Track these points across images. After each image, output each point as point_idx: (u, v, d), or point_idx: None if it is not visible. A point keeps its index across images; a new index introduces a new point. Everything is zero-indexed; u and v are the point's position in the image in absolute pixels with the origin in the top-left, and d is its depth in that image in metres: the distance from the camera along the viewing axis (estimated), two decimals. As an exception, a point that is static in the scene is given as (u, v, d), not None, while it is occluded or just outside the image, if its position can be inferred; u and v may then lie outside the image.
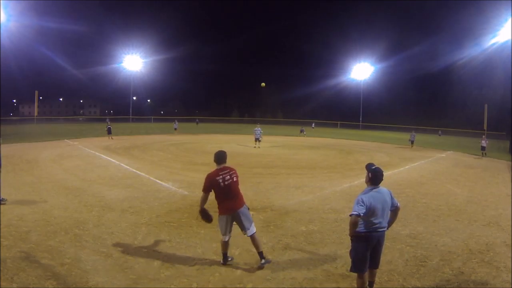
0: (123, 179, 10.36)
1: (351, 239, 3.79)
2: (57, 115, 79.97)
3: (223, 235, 4.50)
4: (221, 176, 4.40)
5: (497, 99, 43.16)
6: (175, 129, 32.74)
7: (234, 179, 4.50)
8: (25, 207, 7.07)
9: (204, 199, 4.46)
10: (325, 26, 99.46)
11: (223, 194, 4.41)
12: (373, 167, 3.77)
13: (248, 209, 4.62)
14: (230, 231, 4.51)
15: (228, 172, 4.48)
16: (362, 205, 3.53)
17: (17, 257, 4.68)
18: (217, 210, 4.55)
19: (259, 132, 21.45)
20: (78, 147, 19.38)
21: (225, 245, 4.57)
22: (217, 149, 4.78)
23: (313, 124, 53.55)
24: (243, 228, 4.48)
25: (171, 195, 8.54)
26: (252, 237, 4.51)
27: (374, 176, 3.73)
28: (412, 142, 25.77)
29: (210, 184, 4.38)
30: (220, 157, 4.58)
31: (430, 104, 69.29)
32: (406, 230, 6.28)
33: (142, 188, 9.17)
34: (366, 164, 3.92)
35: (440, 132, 48.60)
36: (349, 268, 3.95)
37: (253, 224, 4.55)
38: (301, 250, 5.29)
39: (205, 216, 4.54)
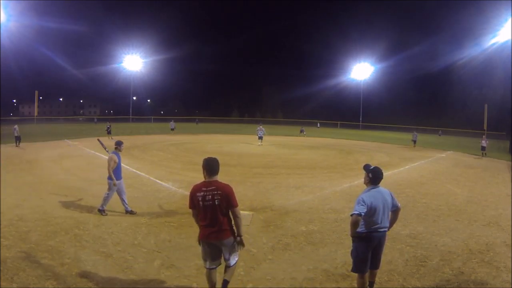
0: (123, 179, 10.34)
1: (352, 240, 3.78)
2: (57, 115, 79.96)
3: (203, 260, 3.66)
4: (202, 193, 3.42)
5: (497, 99, 43.17)
6: (172, 129, 32.71)
7: (216, 203, 3.41)
8: (25, 207, 7.07)
9: (195, 216, 3.64)
10: (325, 26, 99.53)
11: (202, 216, 3.50)
12: (372, 167, 3.78)
13: (234, 240, 3.60)
14: (214, 259, 3.59)
15: (212, 191, 3.42)
16: (363, 205, 3.52)
17: (17, 257, 4.68)
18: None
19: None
20: (78, 147, 19.38)
21: (208, 276, 3.66)
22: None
23: (319, 124, 54.28)
24: (224, 258, 3.63)
25: (171, 195, 8.54)
26: (229, 266, 3.66)
27: (374, 176, 3.73)
28: (415, 142, 26.03)
29: (191, 198, 3.52)
30: (210, 166, 3.51)
31: (430, 104, 69.28)
32: (406, 230, 6.28)
33: (142, 188, 9.17)
34: (363, 165, 3.93)
35: (440, 132, 48.65)
36: (349, 269, 3.95)
37: (235, 254, 3.67)
38: (301, 250, 5.29)
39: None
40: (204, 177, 3.55)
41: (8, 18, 42.44)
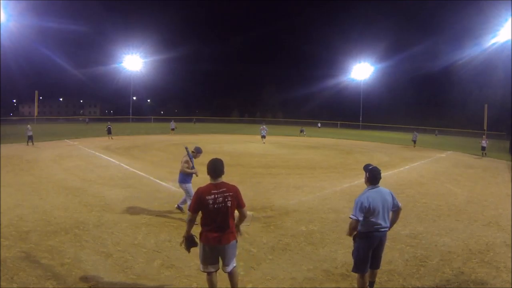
0: (123, 179, 10.35)
1: (353, 239, 3.79)
2: (57, 115, 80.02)
3: (201, 264, 3.55)
4: (213, 196, 3.33)
5: (497, 99, 43.24)
6: (172, 129, 32.77)
7: (228, 204, 3.36)
8: (25, 207, 7.07)
9: (191, 221, 3.49)
10: (325, 26, 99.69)
11: (210, 219, 3.38)
12: (370, 167, 3.79)
13: (236, 241, 3.59)
14: (213, 263, 3.51)
15: (223, 192, 3.37)
16: (361, 209, 3.53)
17: (17, 257, 4.68)
18: None
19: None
20: (78, 147, 19.37)
21: (210, 280, 3.58)
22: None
23: (319, 124, 54.72)
24: (223, 264, 3.55)
25: (171, 195, 8.53)
26: (231, 273, 3.60)
27: (372, 176, 3.74)
28: (415, 142, 26.15)
29: (199, 202, 3.34)
30: (215, 168, 3.44)
31: (430, 104, 69.33)
32: (406, 230, 6.28)
33: (142, 188, 9.17)
34: (363, 165, 3.94)
35: (436, 132, 48.77)
36: (349, 268, 3.95)
37: (234, 259, 3.62)
38: (301, 250, 5.29)
39: (189, 244, 3.63)
40: (210, 179, 3.46)
41: (8, 18, 42.51)
